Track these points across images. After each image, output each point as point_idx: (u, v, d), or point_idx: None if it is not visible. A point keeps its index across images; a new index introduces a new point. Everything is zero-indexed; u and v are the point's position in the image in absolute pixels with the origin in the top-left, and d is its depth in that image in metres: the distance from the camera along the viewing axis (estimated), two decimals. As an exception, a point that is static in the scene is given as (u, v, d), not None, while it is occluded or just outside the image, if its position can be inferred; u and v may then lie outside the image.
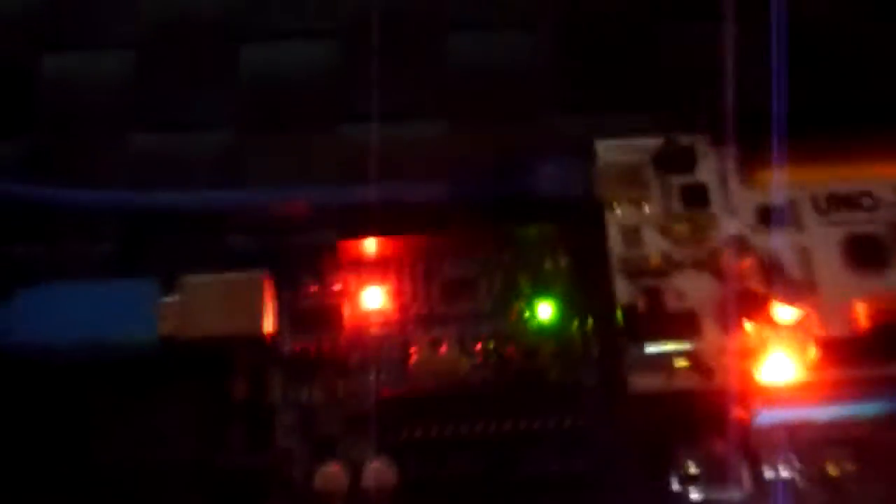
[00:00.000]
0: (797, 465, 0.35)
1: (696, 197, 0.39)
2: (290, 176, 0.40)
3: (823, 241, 0.38)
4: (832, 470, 0.35)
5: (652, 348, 0.35)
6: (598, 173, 0.38)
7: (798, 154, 0.38)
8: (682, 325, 0.36)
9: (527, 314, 0.37)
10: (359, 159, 0.39)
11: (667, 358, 0.35)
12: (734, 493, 0.34)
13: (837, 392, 0.35)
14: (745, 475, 0.35)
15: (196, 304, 0.36)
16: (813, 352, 0.36)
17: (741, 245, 0.37)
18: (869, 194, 0.39)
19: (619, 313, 0.36)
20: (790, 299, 0.36)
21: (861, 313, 0.36)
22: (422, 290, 0.38)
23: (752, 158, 0.39)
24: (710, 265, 0.37)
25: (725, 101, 0.39)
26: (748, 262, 0.37)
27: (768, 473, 0.35)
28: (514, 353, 0.36)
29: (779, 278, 0.37)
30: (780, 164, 0.38)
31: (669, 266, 0.37)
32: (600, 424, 0.35)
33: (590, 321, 0.37)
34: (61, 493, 0.36)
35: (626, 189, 0.38)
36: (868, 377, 0.36)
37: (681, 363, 0.35)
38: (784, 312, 0.36)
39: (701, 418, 0.35)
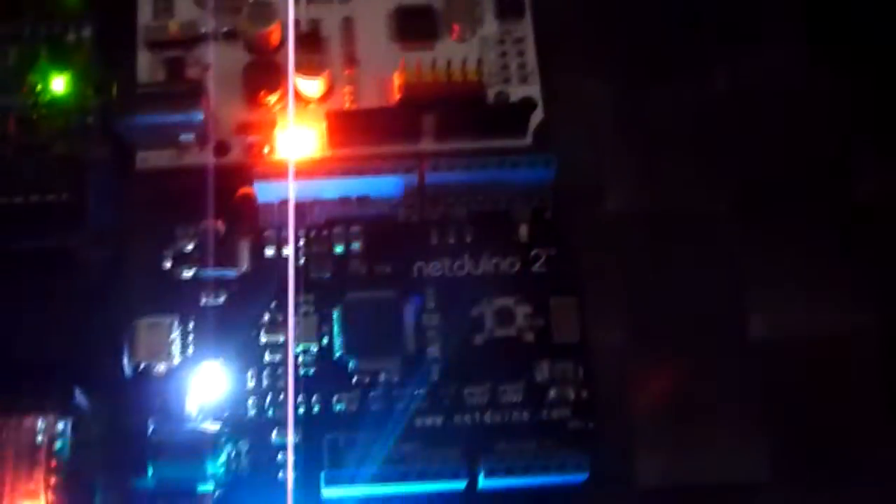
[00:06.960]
0: (302, 242, 0.33)
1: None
2: None
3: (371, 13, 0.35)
4: (337, 248, 0.33)
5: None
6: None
7: None
8: (188, 96, 0.33)
9: (39, 87, 0.34)
10: None
11: (172, 130, 0.33)
12: (228, 271, 0.32)
13: (350, 168, 0.33)
14: (245, 253, 0.32)
15: None
16: (330, 127, 0.33)
17: (266, 12, 0.34)
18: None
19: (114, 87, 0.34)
20: (313, 71, 0.34)
21: (395, 87, 0.34)
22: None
23: None
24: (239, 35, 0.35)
25: None
26: (272, 31, 0.34)
27: (269, 251, 0.33)
28: (15, 127, 0.34)
29: (308, 50, 0.34)
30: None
31: (195, 36, 0.35)
32: (104, 200, 0.33)
33: (111, 93, 0.34)
34: None
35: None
36: (386, 154, 0.33)
37: (188, 137, 0.33)
38: (307, 86, 0.34)
39: (207, 194, 0.33)
